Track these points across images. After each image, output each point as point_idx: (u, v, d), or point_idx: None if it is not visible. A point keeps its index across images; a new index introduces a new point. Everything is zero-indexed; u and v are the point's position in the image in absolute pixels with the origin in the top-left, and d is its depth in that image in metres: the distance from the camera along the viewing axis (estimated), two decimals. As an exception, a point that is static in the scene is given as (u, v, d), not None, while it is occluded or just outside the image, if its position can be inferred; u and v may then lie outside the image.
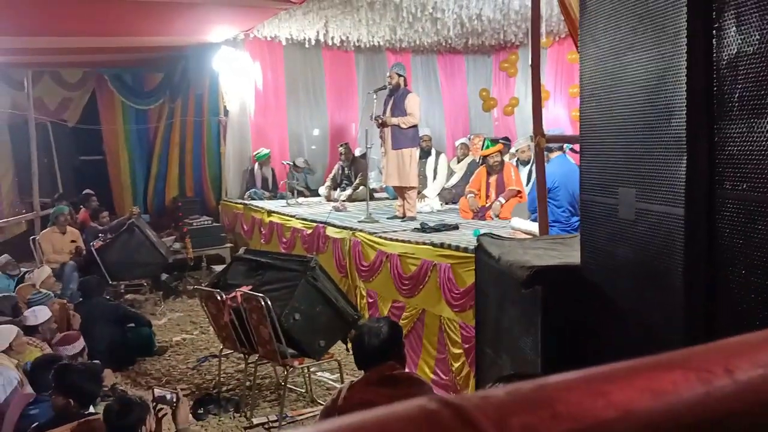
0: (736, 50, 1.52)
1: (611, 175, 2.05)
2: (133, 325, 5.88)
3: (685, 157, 1.67)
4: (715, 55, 1.59)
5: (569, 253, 2.63)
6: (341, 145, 9.02)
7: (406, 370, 3.36)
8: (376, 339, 2.60)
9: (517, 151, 7.55)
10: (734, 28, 1.52)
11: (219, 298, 4.67)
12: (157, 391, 2.91)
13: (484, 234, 3.13)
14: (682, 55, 1.65)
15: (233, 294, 4.59)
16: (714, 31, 1.58)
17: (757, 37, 1.44)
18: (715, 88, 1.60)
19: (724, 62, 1.56)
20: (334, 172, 9.05)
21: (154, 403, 2.82)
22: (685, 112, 1.66)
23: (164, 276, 7.86)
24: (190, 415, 4.45)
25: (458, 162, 8.61)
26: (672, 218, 1.74)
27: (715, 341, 0.35)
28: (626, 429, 0.26)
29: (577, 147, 5.84)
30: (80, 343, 4.38)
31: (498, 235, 3.15)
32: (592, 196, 2.19)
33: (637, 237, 1.93)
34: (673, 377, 0.30)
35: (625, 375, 0.30)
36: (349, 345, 4.10)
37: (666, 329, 1.80)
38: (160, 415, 2.79)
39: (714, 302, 1.68)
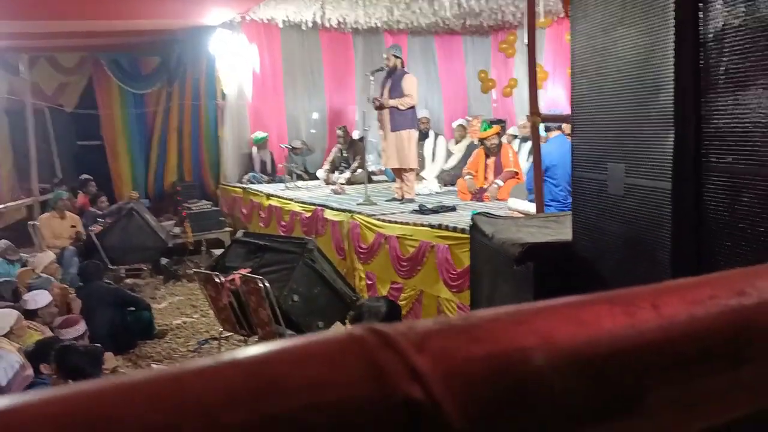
0: (722, 23, 1.52)
1: (601, 151, 2.06)
2: (133, 308, 5.92)
3: (673, 132, 1.68)
4: (701, 28, 1.59)
5: (562, 230, 2.64)
6: (339, 128, 9.00)
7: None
8: (375, 319, 2.63)
9: (519, 127, 7.63)
10: (720, 1, 1.52)
11: (218, 280, 4.71)
12: (155, 368, 2.95)
13: (479, 213, 3.15)
14: (670, 29, 1.65)
15: (232, 276, 4.62)
16: (700, 4, 1.58)
17: (743, 9, 1.45)
18: (701, 62, 1.60)
19: (710, 35, 1.56)
20: (332, 155, 9.04)
21: None
22: (672, 86, 1.66)
23: (164, 260, 7.90)
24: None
25: (456, 143, 8.59)
26: (659, 192, 1.75)
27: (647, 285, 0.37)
28: (544, 354, 0.28)
29: (568, 128, 5.85)
30: (82, 326, 4.42)
31: (492, 214, 3.16)
32: (583, 173, 2.20)
33: (626, 212, 1.95)
34: (598, 310, 0.32)
35: (551, 308, 0.31)
36: (348, 325, 4.12)
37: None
38: None
39: (702, 275, 1.69)
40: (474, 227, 2.99)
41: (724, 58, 1.52)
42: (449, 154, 8.40)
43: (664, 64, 1.69)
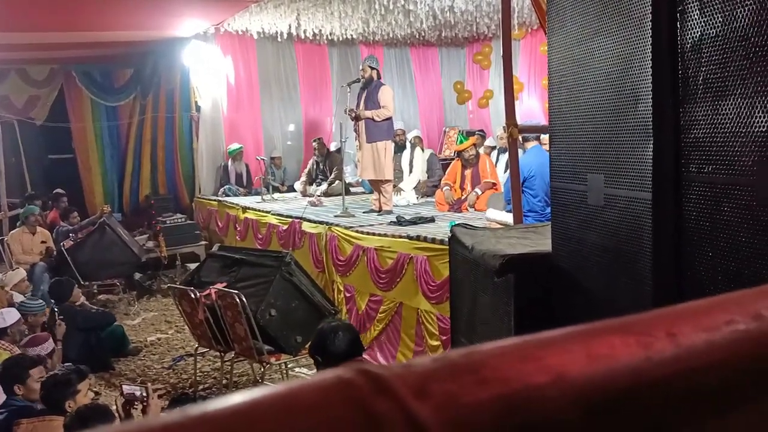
0: (699, 33, 1.53)
1: (580, 161, 2.05)
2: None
3: (652, 142, 1.67)
4: (679, 38, 1.59)
5: (542, 241, 2.63)
6: (315, 140, 8.96)
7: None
8: (346, 336, 2.58)
9: (497, 138, 7.67)
10: (697, 11, 1.52)
11: (193, 296, 4.61)
12: (126, 388, 2.86)
13: (458, 224, 3.13)
14: (647, 39, 1.65)
15: (207, 291, 4.53)
16: (678, 15, 1.58)
17: (720, 19, 1.45)
18: (680, 72, 1.60)
19: (688, 45, 1.57)
20: (308, 167, 8.99)
21: (123, 400, 2.78)
22: (651, 96, 1.66)
23: (138, 275, 7.75)
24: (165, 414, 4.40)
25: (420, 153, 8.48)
26: (640, 203, 1.75)
27: (660, 308, 0.34)
28: (558, 393, 0.25)
29: (545, 139, 5.89)
30: (49, 344, 4.30)
31: (471, 225, 3.15)
32: (562, 183, 2.19)
33: (606, 222, 1.94)
34: (611, 341, 0.29)
35: (561, 341, 0.28)
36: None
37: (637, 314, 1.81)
38: (130, 410, 2.75)
39: (683, 286, 1.69)
40: (453, 239, 2.97)
41: (702, 68, 1.52)
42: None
43: (642, 75, 1.69)
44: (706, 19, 1.49)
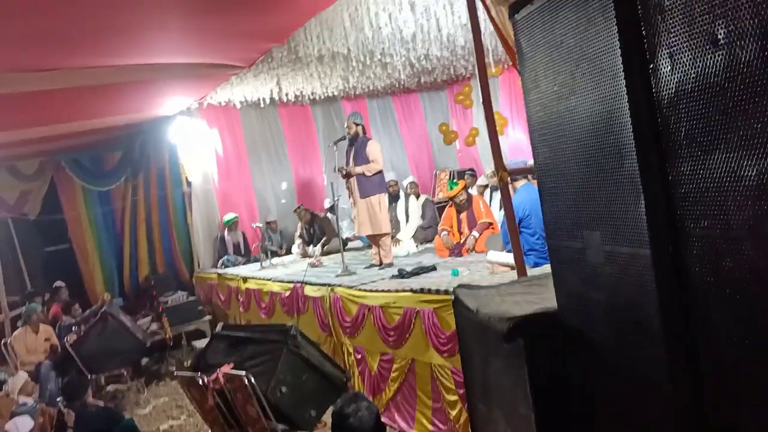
0: (674, 89, 1.50)
1: (574, 219, 2.01)
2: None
3: (643, 198, 1.63)
4: (654, 94, 1.57)
5: (546, 294, 2.57)
6: (296, 210, 8.97)
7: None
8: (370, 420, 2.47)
9: (487, 177, 7.70)
10: (669, 68, 1.50)
11: (201, 382, 4.50)
12: None
13: (460, 286, 3.06)
14: (623, 96, 1.63)
15: (215, 375, 4.43)
16: (650, 72, 1.56)
17: (693, 75, 1.42)
18: (660, 128, 1.57)
19: (664, 101, 1.54)
20: (299, 231, 8.95)
21: None
22: (635, 152, 1.63)
23: (144, 360, 7.62)
24: None
25: (416, 200, 8.50)
26: (640, 259, 1.70)
27: None
28: None
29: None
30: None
31: (473, 285, 3.08)
32: (558, 241, 2.14)
33: (609, 279, 1.88)
34: None
35: None
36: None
37: (648, 373, 1.74)
38: None
39: (693, 342, 1.62)
40: (457, 301, 2.91)
41: (683, 123, 1.49)
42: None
43: (624, 131, 1.66)
44: (679, 76, 1.47)
